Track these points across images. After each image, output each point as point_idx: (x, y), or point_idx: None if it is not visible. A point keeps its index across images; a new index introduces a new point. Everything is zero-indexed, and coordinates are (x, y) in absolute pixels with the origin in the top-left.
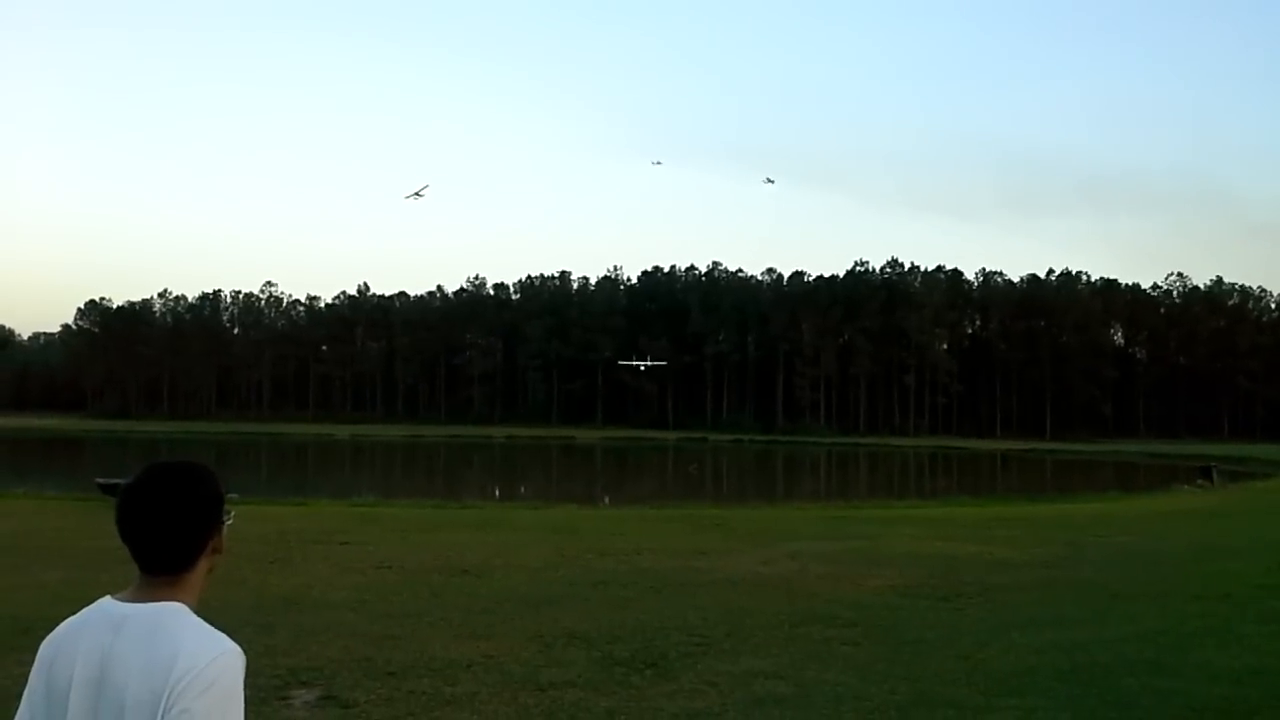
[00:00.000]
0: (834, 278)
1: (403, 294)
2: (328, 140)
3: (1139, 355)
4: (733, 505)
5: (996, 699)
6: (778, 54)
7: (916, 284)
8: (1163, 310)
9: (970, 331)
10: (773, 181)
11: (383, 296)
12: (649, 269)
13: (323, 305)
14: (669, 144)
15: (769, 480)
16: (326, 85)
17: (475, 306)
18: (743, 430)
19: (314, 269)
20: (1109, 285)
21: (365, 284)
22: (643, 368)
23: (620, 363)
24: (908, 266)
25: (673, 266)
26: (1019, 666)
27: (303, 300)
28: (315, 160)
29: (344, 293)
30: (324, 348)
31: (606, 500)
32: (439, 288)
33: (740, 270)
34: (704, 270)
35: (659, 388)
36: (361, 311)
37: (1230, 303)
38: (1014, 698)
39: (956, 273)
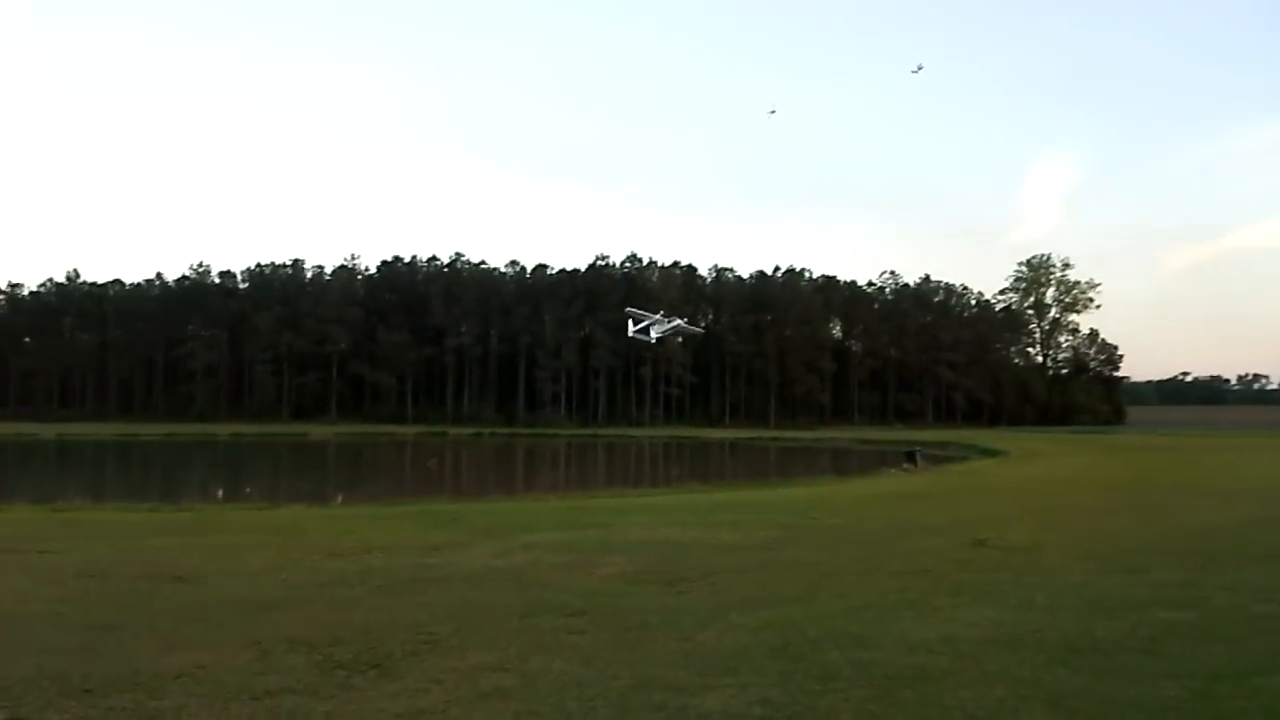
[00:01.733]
0: (576, 271)
1: (117, 282)
2: (30, 114)
3: (855, 348)
4: (470, 499)
5: (713, 679)
6: (527, 44)
7: (654, 278)
8: (876, 306)
9: (703, 325)
10: (774, 112)
11: (95, 284)
12: (388, 259)
13: (25, 294)
14: (413, 131)
15: (508, 473)
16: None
17: (198, 296)
18: (484, 423)
19: (16, 254)
20: (829, 282)
21: (75, 270)
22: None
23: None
24: (646, 261)
25: (414, 257)
26: (735, 646)
27: (3, 288)
28: (18, 134)
29: (51, 280)
30: (26, 340)
31: (339, 499)
32: (158, 275)
33: (483, 262)
34: (446, 261)
35: (398, 380)
36: (70, 301)
37: (936, 299)
38: (729, 676)
39: (691, 268)
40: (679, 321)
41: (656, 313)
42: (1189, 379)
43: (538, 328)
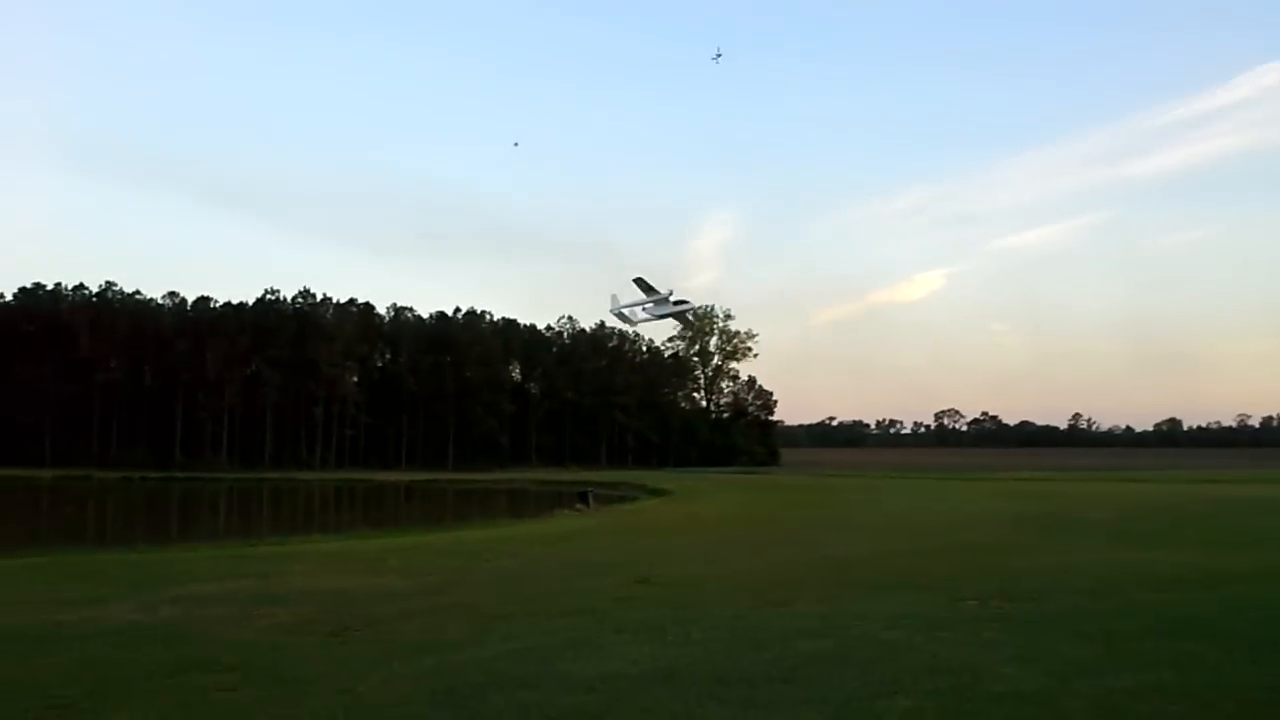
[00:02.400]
0: (243, 305)
1: None
2: None
3: (533, 390)
4: (114, 549)
5: None
6: (196, 70)
7: (328, 315)
8: (554, 350)
9: (380, 365)
10: (719, 55)
11: None
12: (27, 285)
13: None
14: (60, 152)
15: (162, 520)
16: None
17: None
18: (135, 466)
19: None
20: (509, 324)
21: None
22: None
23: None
24: (319, 297)
25: (57, 284)
26: (396, 695)
27: None
28: None
29: None
30: None
31: None
32: None
33: (138, 292)
34: (95, 290)
35: (34, 420)
36: None
37: (610, 344)
38: None
39: (369, 306)
40: (690, 303)
41: (661, 294)
42: (835, 423)
43: (199, 364)
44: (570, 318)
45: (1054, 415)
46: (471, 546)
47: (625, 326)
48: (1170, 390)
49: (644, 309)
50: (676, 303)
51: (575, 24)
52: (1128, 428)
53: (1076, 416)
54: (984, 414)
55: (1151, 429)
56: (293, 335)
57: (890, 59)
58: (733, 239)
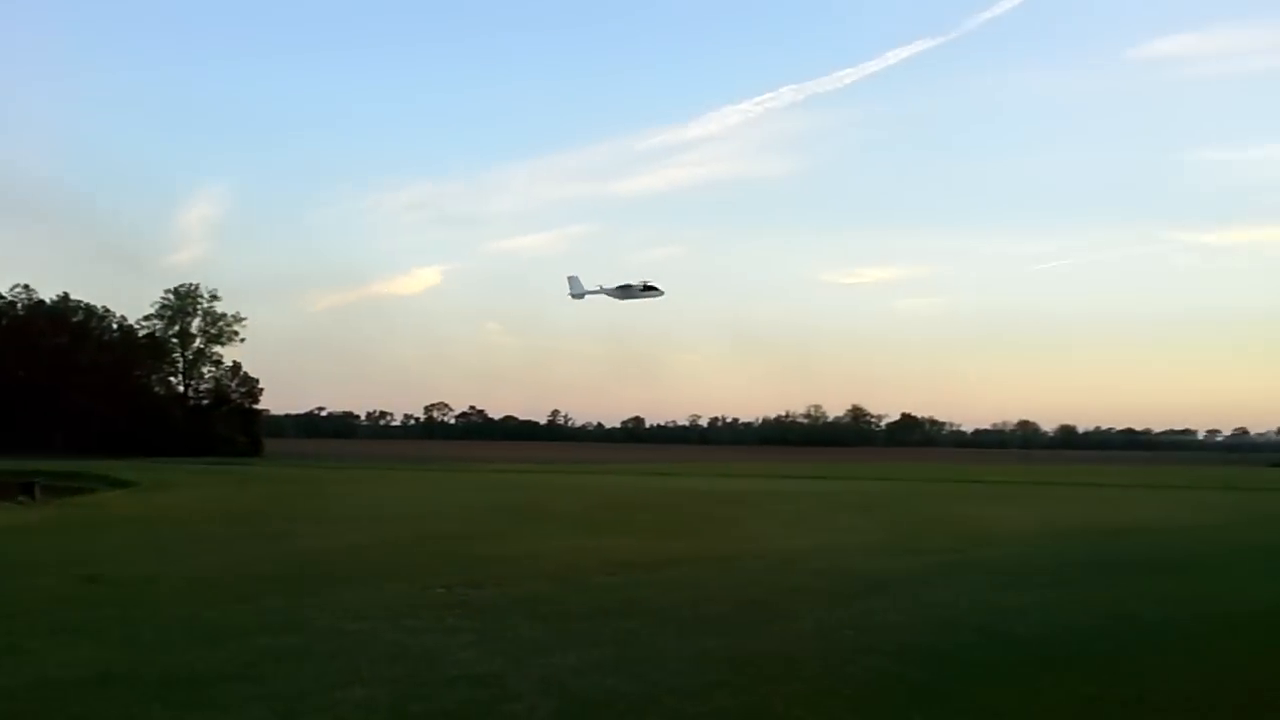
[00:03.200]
0: None
1: None
2: None
3: None
4: None
5: None
6: None
7: None
8: (5, 321)
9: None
10: None
11: None
12: None
13: None
14: None
15: None
16: None
17: None
18: None
19: None
20: None
21: None
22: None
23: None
24: None
25: None
26: None
27: None
28: None
29: None
30: None
31: None
32: None
33: None
34: None
35: None
36: None
37: (75, 319)
38: None
39: None
40: (660, 290)
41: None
42: (325, 413)
43: None
44: (26, 286)
45: (536, 411)
46: None
47: None
48: (637, 391)
49: (608, 293)
50: (647, 288)
51: None
52: (599, 424)
53: (555, 413)
54: (471, 408)
55: (619, 426)
56: None
57: (403, 53)
58: (225, 215)
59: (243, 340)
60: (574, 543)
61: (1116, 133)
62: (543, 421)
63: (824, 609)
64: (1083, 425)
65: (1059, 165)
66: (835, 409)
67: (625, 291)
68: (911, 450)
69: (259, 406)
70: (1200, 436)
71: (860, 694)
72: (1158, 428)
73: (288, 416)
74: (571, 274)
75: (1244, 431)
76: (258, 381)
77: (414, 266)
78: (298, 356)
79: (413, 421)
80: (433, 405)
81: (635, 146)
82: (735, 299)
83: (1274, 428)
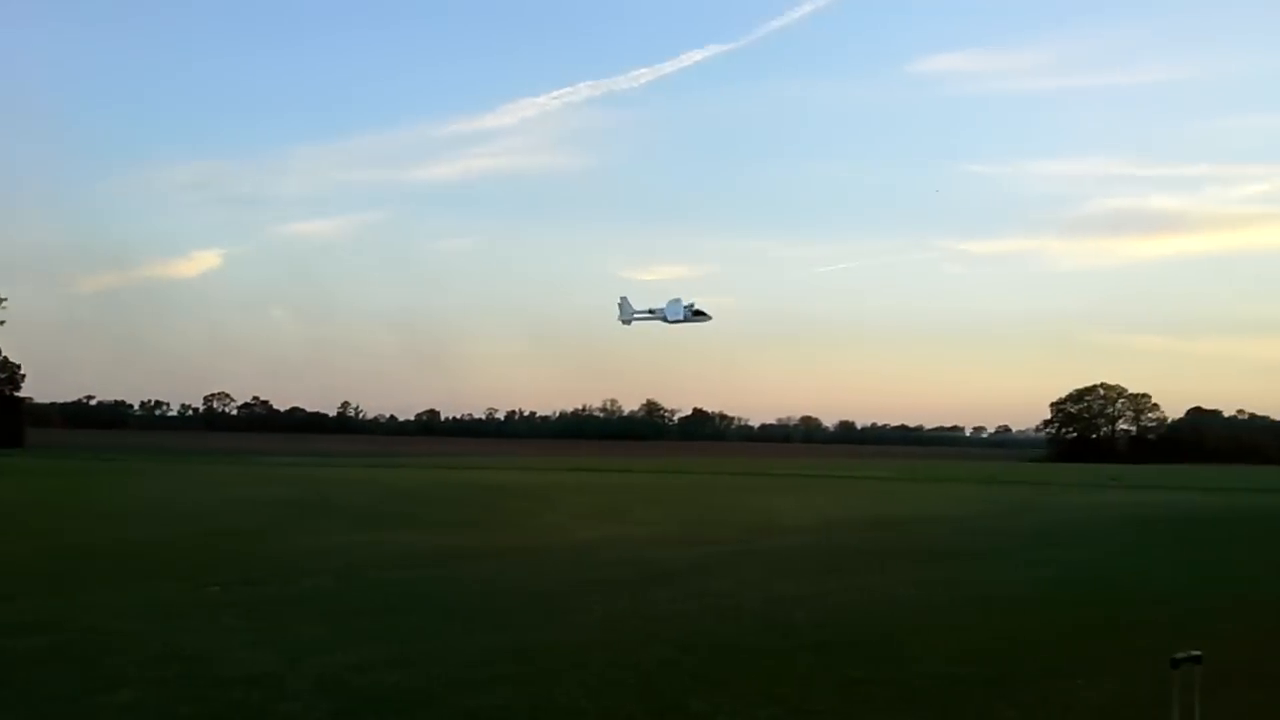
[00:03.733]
0: None
1: None
2: None
3: None
4: None
5: None
6: None
7: None
8: None
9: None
10: None
11: None
12: None
13: None
14: None
15: None
16: None
17: None
18: None
19: None
20: None
21: None
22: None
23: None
24: None
25: None
26: None
27: None
28: None
29: None
30: None
31: None
32: None
33: None
34: None
35: None
36: None
37: None
38: None
39: None
40: (708, 315)
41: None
42: (94, 402)
43: None
44: None
45: (324, 403)
46: None
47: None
48: (432, 383)
49: (659, 317)
50: (696, 313)
51: None
52: (391, 416)
53: (345, 404)
54: (255, 398)
55: (413, 419)
56: None
57: (185, 20)
58: None
59: (2, 323)
60: (360, 538)
61: (896, 143)
62: (332, 413)
63: (612, 600)
64: (861, 421)
65: (843, 173)
66: (631, 403)
67: (674, 314)
68: (702, 444)
69: (20, 394)
70: (967, 433)
71: (644, 683)
72: (929, 425)
73: (54, 405)
74: (622, 296)
75: (1007, 429)
76: (19, 367)
77: (193, 249)
78: (64, 341)
79: (191, 412)
80: (213, 395)
81: (431, 134)
82: (533, 292)
83: (1033, 425)
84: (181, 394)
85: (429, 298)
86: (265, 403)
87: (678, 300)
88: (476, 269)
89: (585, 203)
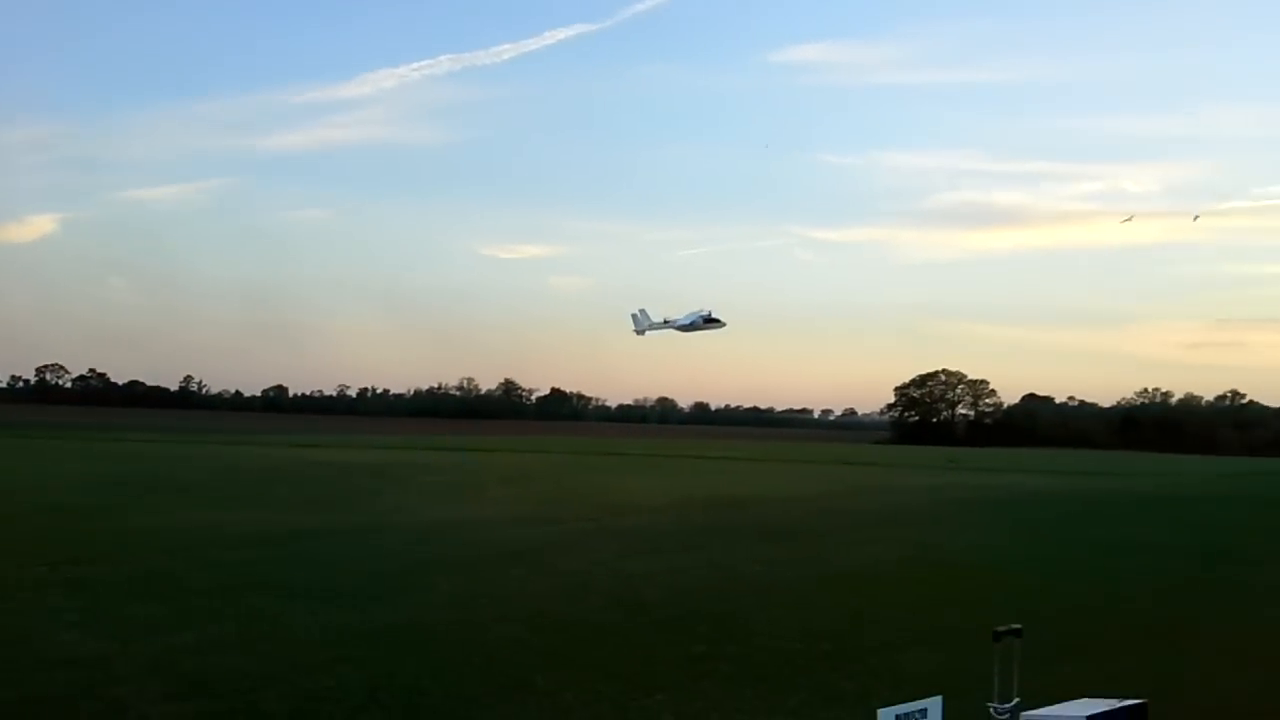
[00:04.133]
0: None
1: None
2: None
3: None
4: None
5: None
6: None
7: None
8: None
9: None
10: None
11: None
12: None
13: None
14: None
15: None
16: None
17: None
18: None
19: None
20: None
21: None
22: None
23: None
24: None
25: None
26: None
27: None
28: None
29: None
30: None
31: None
32: None
33: None
34: None
35: None
36: None
37: None
38: None
39: None
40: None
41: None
42: None
43: None
44: None
45: (166, 377)
46: None
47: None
48: (280, 358)
49: (675, 328)
50: (709, 320)
51: None
52: (237, 392)
53: (188, 379)
54: (91, 371)
55: (260, 395)
56: None
57: None
58: None
59: None
60: (200, 518)
61: (753, 130)
62: (174, 388)
63: (461, 579)
64: (715, 403)
65: (701, 157)
66: (488, 382)
67: (691, 324)
68: (560, 424)
69: None
70: (816, 415)
71: (489, 662)
72: (780, 406)
73: None
74: (638, 309)
75: (853, 412)
76: None
77: (27, 213)
78: None
79: (21, 384)
80: (45, 366)
81: (285, 101)
82: (388, 267)
83: (878, 409)
84: (11, 365)
85: (279, 270)
86: (102, 375)
87: (696, 311)
88: (330, 242)
89: (444, 178)
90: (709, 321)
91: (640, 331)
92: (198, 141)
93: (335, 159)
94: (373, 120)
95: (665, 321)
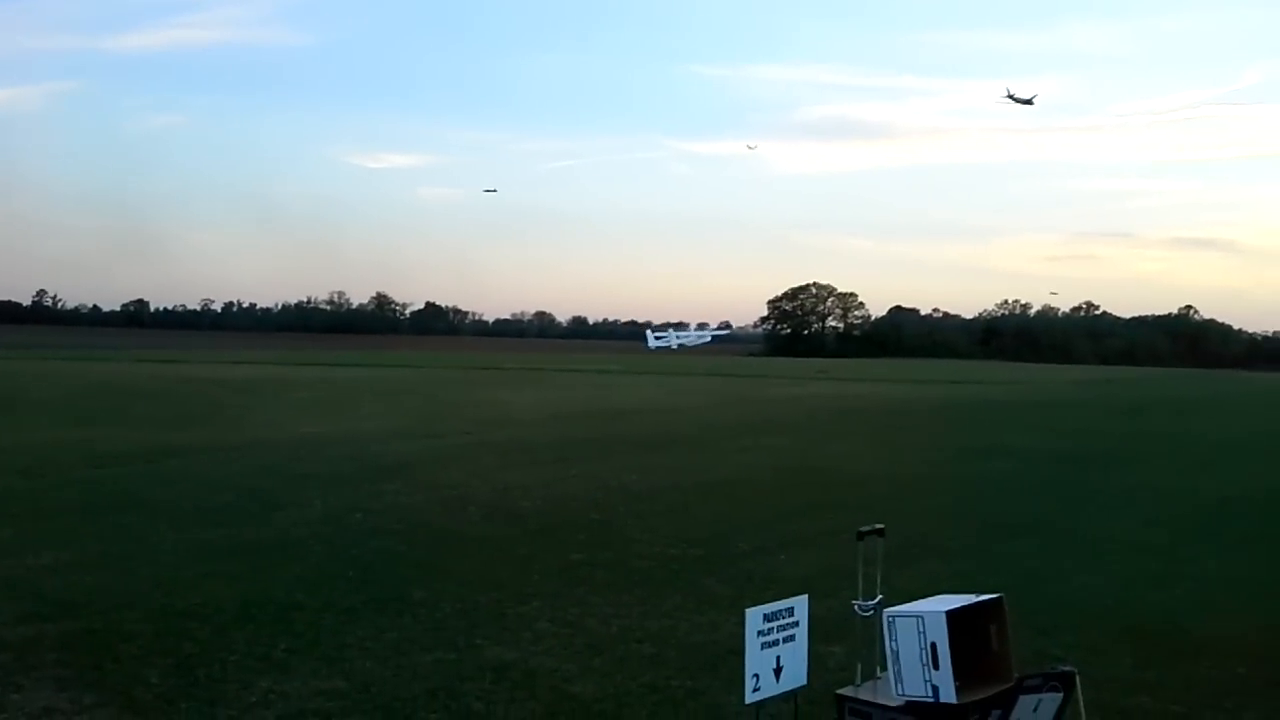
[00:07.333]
0: None
1: None
2: None
3: None
4: None
5: None
6: None
7: None
8: None
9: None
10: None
11: None
12: None
13: None
14: None
15: None
16: None
17: None
18: None
19: None
20: None
21: None
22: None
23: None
24: None
25: None
26: None
27: None
28: None
29: None
30: None
31: None
32: None
33: None
34: None
35: None
36: None
37: None
38: None
39: None
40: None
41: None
42: None
43: None
44: None
45: (17, 291)
46: None
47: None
48: (139, 270)
49: (688, 345)
50: (717, 331)
51: None
52: (95, 307)
53: (42, 293)
54: None
55: (119, 309)
56: None
57: None
58: None
59: None
60: (54, 435)
61: (625, 41)
62: (26, 303)
63: (335, 494)
64: (593, 317)
65: (574, 67)
66: (360, 296)
67: (700, 339)
68: (436, 339)
69: None
70: (693, 329)
71: (362, 575)
72: (657, 320)
73: None
74: (654, 327)
75: (728, 325)
76: None
77: None
78: None
79: None
80: None
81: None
82: (252, 176)
83: (752, 322)
84: None
85: (135, 178)
86: None
87: (705, 326)
88: (189, 148)
89: (309, 83)
90: (717, 338)
91: (653, 349)
92: (38, 41)
93: (192, 62)
94: (231, 21)
95: (678, 340)
